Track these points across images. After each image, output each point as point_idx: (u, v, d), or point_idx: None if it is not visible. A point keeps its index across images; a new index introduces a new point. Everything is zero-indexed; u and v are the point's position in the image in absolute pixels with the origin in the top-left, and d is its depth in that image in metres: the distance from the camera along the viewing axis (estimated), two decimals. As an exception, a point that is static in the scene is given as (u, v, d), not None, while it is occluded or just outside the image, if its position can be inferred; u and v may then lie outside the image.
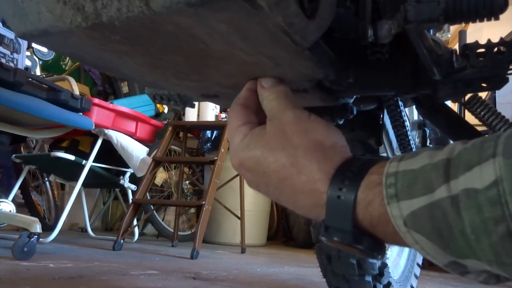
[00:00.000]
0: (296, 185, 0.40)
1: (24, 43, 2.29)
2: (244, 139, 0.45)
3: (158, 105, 3.46)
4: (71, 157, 2.45)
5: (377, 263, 1.00)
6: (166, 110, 3.56)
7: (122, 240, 2.36)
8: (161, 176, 3.18)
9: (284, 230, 4.10)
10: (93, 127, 2.32)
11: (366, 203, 0.36)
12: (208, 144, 3.33)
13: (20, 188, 2.83)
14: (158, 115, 3.49)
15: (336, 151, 0.41)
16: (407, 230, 0.33)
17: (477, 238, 0.30)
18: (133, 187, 2.81)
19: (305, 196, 0.40)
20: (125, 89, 4.12)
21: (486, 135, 0.33)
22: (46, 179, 3.22)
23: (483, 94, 0.99)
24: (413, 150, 0.85)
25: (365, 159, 0.39)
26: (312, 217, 0.41)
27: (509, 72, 0.54)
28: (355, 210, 0.36)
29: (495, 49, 0.53)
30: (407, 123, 0.83)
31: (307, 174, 0.40)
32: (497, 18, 0.44)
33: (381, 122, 0.78)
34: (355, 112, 0.68)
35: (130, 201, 2.63)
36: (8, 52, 2.19)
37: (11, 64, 2.17)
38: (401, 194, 0.33)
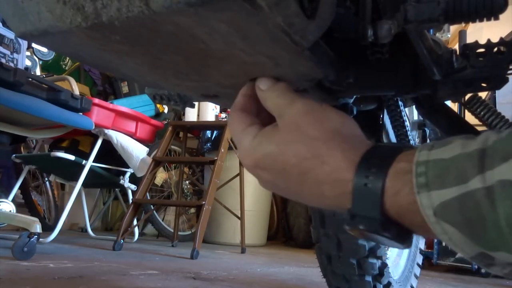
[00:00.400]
0: (319, 176, 0.39)
1: (24, 43, 2.29)
2: (254, 139, 0.44)
3: (158, 105, 3.46)
4: (71, 157, 2.45)
5: (377, 263, 1.00)
6: (166, 110, 3.56)
7: (122, 240, 2.36)
8: (161, 176, 3.18)
9: (284, 230, 4.10)
10: (93, 127, 2.32)
11: (394, 191, 0.35)
12: (208, 144, 3.33)
13: (20, 188, 2.83)
14: (158, 115, 3.49)
15: (356, 139, 0.41)
16: (436, 221, 0.33)
17: (511, 231, 0.29)
18: (133, 187, 2.81)
19: (330, 187, 0.39)
20: (125, 89, 4.12)
21: None
22: (46, 179, 3.22)
23: (483, 94, 0.99)
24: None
25: (390, 146, 0.38)
26: (338, 208, 0.40)
27: (509, 72, 0.54)
28: (382, 198, 0.35)
29: (495, 49, 0.53)
30: (407, 123, 0.84)
31: (331, 163, 0.39)
32: (497, 18, 0.44)
33: (381, 122, 0.78)
34: (355, 112, 0.68)
35: (130, 201, 2.63)
36: (8, 52, 2.19)
37: (11, 64, 2.17)
38: (432, 183, 0.33)
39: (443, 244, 2.40)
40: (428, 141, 1.13)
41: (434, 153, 0.34)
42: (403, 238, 0.37)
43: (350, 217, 0.38)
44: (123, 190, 3.04)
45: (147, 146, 2.88)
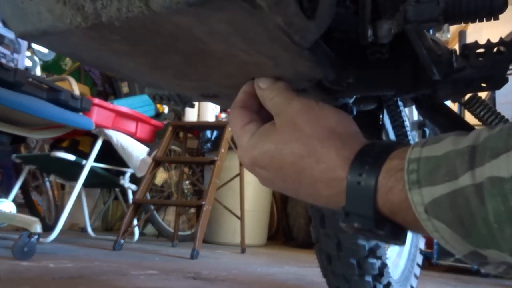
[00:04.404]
0: (315, 175, 0.40)
1: (24, 43, 2.29)
2: (252, 137, 0.44)
3: (158, 105, 3.46)
4: (71, 157, 2.45)
5: (377, 263, 1.00)
6: (166, 110, 3.56)
7: (122, 240, 2.36)
8: (161, 176, 3.18)
9: (284, 230, 4.10)
10: (93, 127, 2.32)
11: (387, 189, 0.35)
12: (208, 144, 3.33)
13: (20, 188, 2.83)
14: (158, 115, 3.49)
15: (352, 137, 0.41)
16: (427, 218, 0.33)
17: (500, 227, 0.29)
18: (133, 187, 2.81)
19: (325, 185, 0.39)
20: (125, 89, 4.12)
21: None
22: (46, 179, 3.22)
23: (482, 94, 0.99)
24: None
25: (384, 143, 0.38)
26: (333, 206, 0.40)
27: (509, 72, 0.54)
28: (375, 195, 0.35)
29: (495, 49, 0.53)
30: (407, 123, 0.83)
31: (326, 161, 0.39)
32: (496, 18, 0.44)
33: (381, 122, 0.78)
34: (355, 112, 0.68)
35: (130, 201, 2.63)
36: (8, 52, 2.19)
37: (11, 64, 2.17)
38: (423, 180, 0.33)
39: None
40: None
41: (426, 150, 0.34)
42: (397, 236, 0.37)
43: (345, 215, 0.38)
44: (123, 190, 3.04)
45: (147, 146, 2.88)
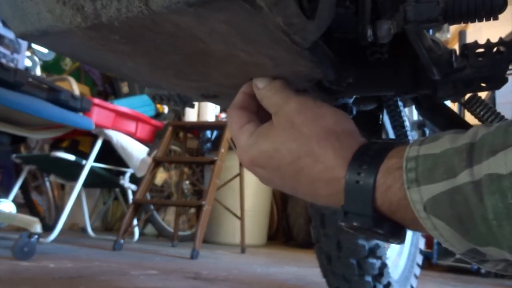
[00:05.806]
0: (313, 174, 0.40)
1: (24, 43, 2.29)
2: (251, 136, 0.44)
3: (158, 105, 3.46)
4: (71, 157, 2.45)
5: (377, 263, 1.00)
6: (166, 110, 3.56)
7: (122, 240, 2.36)
8: (161, 176, 3.18)
9: (284, 230, 4.10)
10: (93, 127, 2.32)
11: (385, 187, 0.35)
12: (208, 144, 3.33)
13: (20, 188, 2.83)
14: (158, 115, 3.49)
15: (349, 137, 0.41)
16: (426, 216, 0.33)
17: (500, 224, 0.29)
18: (133, 187, 2.80)
19: (323, 184, 0.40)
20: (125, 89, 4.12)
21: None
22: (46, 179, 3.22)
23: (482, 94, 0.99)
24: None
25: (382, 142, 0.38)
26: (332, 205, 0.41)
27: (509, 72, 0.54)
28: (374, 194, 0.36)
29: (495, 49, 0.53)
30: (406, 123, 0.83)
31: (324, 161, 0.39)
32: (496, 18, 0.44)
33: (380, 122, 0.78)
34: (354, 112, 0.68)
35: (130, 201, 2.63)
36: (8, 52, 2.19)
37: (11, 64, 2.17)
38: (421, 178, 0.33)
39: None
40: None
41: (424, 148, 0.34)
42: (396, 234, 0.37)
43: (344, 214, 0.38)
44: (123, 190, 3.04)
45: (147, 146, 2.88)
